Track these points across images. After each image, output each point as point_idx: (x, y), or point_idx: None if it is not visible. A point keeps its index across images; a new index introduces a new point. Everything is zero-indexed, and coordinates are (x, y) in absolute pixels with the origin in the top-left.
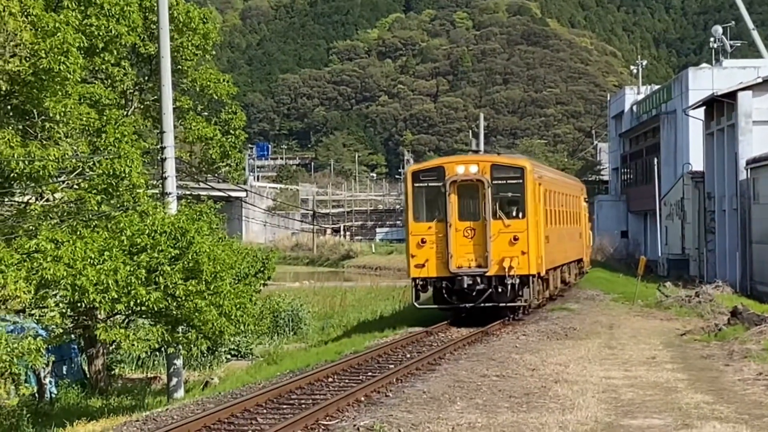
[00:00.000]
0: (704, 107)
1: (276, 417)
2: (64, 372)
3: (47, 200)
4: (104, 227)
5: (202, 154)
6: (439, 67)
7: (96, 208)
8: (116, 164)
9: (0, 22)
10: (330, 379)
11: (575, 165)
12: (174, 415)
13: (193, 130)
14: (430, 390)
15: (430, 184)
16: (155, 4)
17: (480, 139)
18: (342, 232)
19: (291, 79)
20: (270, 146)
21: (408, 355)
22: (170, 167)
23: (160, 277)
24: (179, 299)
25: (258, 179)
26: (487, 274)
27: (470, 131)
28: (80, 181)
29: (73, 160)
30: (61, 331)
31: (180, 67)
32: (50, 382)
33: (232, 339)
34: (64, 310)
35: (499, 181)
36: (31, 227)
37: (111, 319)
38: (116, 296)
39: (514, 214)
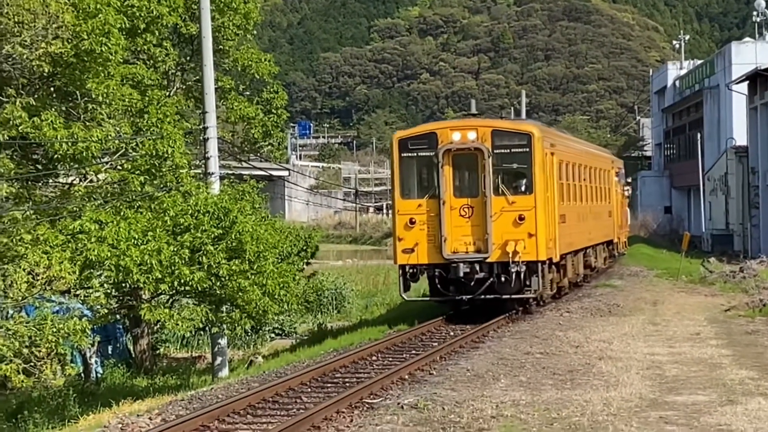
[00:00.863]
0: (747, 82)
1: (320, 395)
2: (110, 352)
3: (91, 181)
4: (147, 208)
5: (245, 133)
6: (481, 44)
7: (139, 189)
8: (159, 145)
9: (42, 5)
10: (374, 358)
11: (618, 141)
12: (219, 394)
13: (235, 109)
14: (474, 368)
15: (419, 154)
16: None
17: (522, 116)
18: (384, 210)
19: (332, 58)
20: (312, 125)
21: (452, 333)
22: (213, 147)
23: (204, 257)
24: (223, 279)
25: (300, 158)
26: (487, 260)
27: (512, 108)
28: (123, 161)
29: (116, 141)
30: (106, 311)
31: (221, 47)
32: (96, 362)
33: (275, 318)
34: (108, 291)
35: (502, 150)
36: (75, 208)
37: (155, 299)
38: (160, 276)
39: (520, 188)
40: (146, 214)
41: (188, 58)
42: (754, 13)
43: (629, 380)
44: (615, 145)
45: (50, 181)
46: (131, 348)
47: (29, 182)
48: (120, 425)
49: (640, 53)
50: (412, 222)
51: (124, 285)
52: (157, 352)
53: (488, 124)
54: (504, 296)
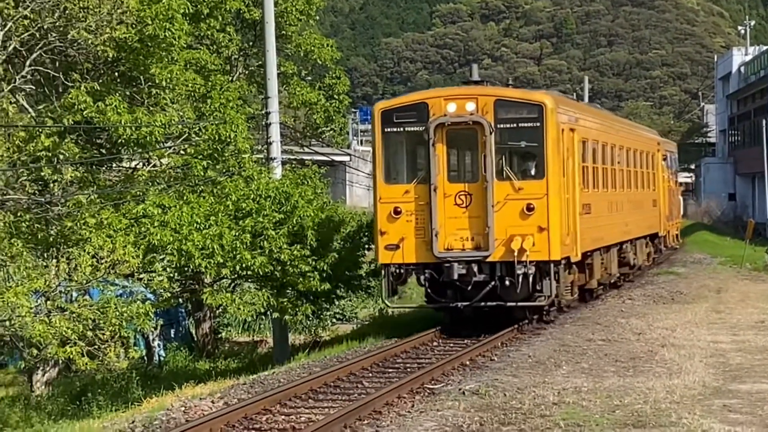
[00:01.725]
0: None
1: (381, 381)
2: (172, 335)
3: (154, 166)
4: (210, 192)
5: (306, 119)
6: (543, 30)
7: (202, 174)
8: (221, 130)
9: None
10: (435, 343)
11: (681, 127)
12: (280, 379)
13: (297, 95)
14: (536, 354)
15: (407, 129)
16: None
17: (584, 101)
18: None
19: (394, 43)
20: None
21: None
22: (275, 132)
23: (265, 242)
24: (284, 264)
25: (362, 143)
26: (487, 259)
27: (574, 94)
28: (186, 146)
29: (179, 126)
30: (169, 295)
31: (284, 32)
32: (158, 346)
33: (337, 303)
34: (171, 275)
35: (508, 125)
36: (138, 193)
37: (217, 283)
38: (222, 261)
39: (529, 172)
40: (208, 199)
41: (251, 43)
42: None
43: (692, 368)
44: (678, 132)
45: (114, 165)
46: (193, 332)
47: (93, 167)
48: (183, 408)
49: (704, 39)
50: (397, 212)
51: (186, 269)
52: (219, 336)
53: (490, 93)
54: (509, 303)
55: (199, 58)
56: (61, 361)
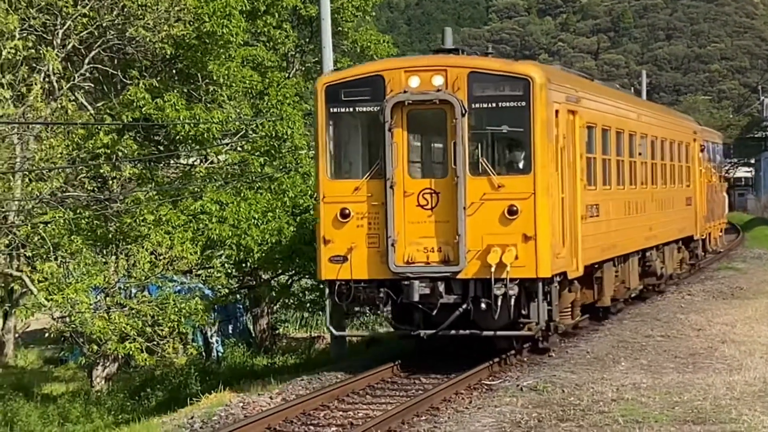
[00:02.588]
0: None
1: (439, 377)
2: (230, 331)
3: (211, 163)
4: (267, 189)
5: None
6: (600, 24)
7: (259, 170)
8: (278, 126)
9: None
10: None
11: (740, 121)
12: (338, 375)
13: None
14: (594, 350)
15: (358, 109)
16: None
17: (642, 97)
18: None
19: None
20: None
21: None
22: None
23: None
24: None
25: None
26: (458, 276)
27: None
28: (243, 143)
29: (237, 123)
30: (227, 291)
31: (340, 28)
32: (217, 342)
33: None
34: (229, 271)
35: (485, 104)
36: (196, 189)
37: (275, 279)
38: (279, 256)
39: (515, 165)
40: (266, 195)
41: (307, 39)
42: None
43: (753, 364)
44: (737, 126)
45: (172, 162)
46: (251, 328)
47: (152, 164)
48: (241, 404)
49: (764, 32)
50: (345, 215)
51: (244, 265)
52: (277, 331)
53: (463, 63)
54: (485, 333)
55: (256, 55)
56: (120, 357)
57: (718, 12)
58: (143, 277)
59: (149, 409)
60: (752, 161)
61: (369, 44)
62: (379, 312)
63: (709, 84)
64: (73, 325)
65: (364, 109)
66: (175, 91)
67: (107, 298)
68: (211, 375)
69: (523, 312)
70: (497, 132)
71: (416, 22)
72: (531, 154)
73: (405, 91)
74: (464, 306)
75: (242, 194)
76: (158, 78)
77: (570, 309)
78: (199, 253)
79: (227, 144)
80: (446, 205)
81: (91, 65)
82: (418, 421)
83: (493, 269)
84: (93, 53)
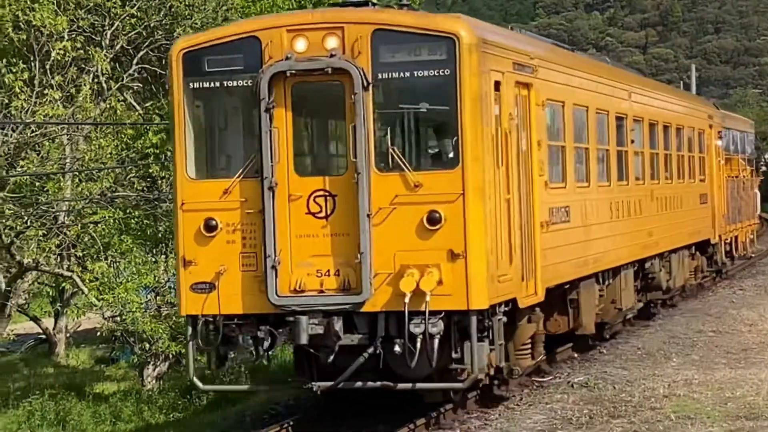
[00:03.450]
0: None
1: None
2: None
3: None
4: None
5: None
6: (648, 18)
7: None
8: None
9: None
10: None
11: None
12: None
13: None
14: (645, 346)
15: (227, 84)
16: None
17: (692, 91)
18: None
19: None
20: None
21: None
22: None
23: None
24: None
25: None
26: (362, 308)
27: (681, 82)
28: None
29: None
30: None
31: None
32: None
33: None
34: None
35: (395, 74)
36: None
37: None
38: None
39: (437, 157)
40: None
41: None
42: None
43: None
44: None
45: None
46: None
47: None
48: (291, 402)
49: None
50: (210, 227)
51: None
52: None
53: (366, 19)
54: (400, 386)
55: None
56: (171, 356)
57: (767, 5)
58: None
59: (200, 408)
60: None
61: None
62: (260, 358)
63: (759, 77)
64: (124, 325)
65: (236, 83)
66: None
67: (157, 297)
68: (260, 373)
69: (455, 354)
70: (413, 111)
71: None
72: (459, 141)
73: (288, 58)
74: (371, 350)
75: None
76: None
77: (531, 345)
78: None
79: None
80: (345, 212)
81: (140, 65)
82: (468, 419)
83: (407, 299)
84: (141, 53)
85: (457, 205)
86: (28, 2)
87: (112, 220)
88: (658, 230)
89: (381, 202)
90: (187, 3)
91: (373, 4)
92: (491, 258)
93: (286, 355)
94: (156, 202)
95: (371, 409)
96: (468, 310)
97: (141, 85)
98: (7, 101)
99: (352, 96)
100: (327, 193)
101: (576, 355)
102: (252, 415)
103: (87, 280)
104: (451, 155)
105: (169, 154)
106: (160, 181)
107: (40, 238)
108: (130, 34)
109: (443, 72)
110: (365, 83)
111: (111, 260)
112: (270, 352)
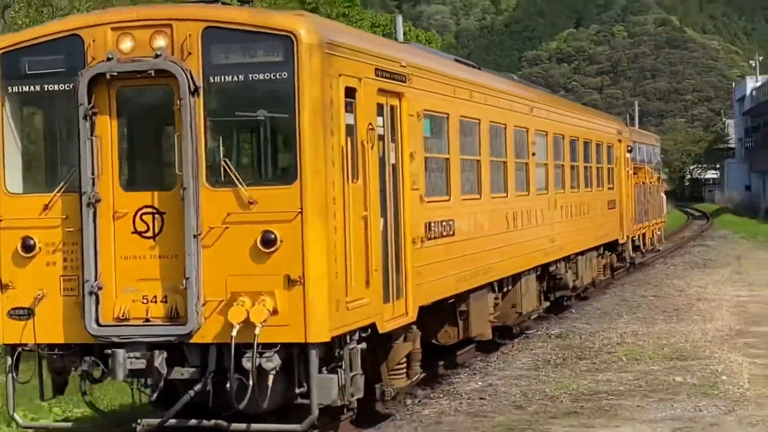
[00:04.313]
0: None
1: None
2: None
3: None
4: None
5: None
6: (603, 68)
7: None
8: None
9: None
10: None
11: (708, 137)
12: None
13: None
14: (603, 307)
15: (47, 88)
16: (393, 30)
17: (635, 122)
18: None
19: None
20: None
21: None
22: None
23: None
24: None
25: None
26: (191, 339)
27: (627, 114)
28: None
29: None
30: None
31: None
32: None
33: None
34: None
35: (228, 77)
36: None
37: None
38: None
39: (277, 171)
40: None
41: None
42: None
43: (721, 316)
44: (706, 140)
45: None
46: None
47: None
48: None
49: (724, 71)
50: (28, 246)
51: None
52: None
53: (196, 15)
54: (233, 427)
55: None
56: None
57: (690, 57)
58: None
59: None
60: (717, 166)
61: None
62: (89, 391)
63: (684, 110)
64: None
65: (57, 87)
66: None
67: None
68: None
69: (301, 389)
70: (249, 120)
71: None
72: (297, 153)
73: (110, 59)
74: (198, 386)
75: None
76: None
77: (405, 364)
78: None
79: None
80: (175, 232)
81: None
82: (475, 361)
83: (234, 331)
84: None
85: (294, 225)
86: None
87: None
88: (562, 236)
89: (212, 221)
90: None
91: (224, 3)
92: (336, 283)
93: None
94: None
95: None
96: (306, 343)
97: None
98: None
99: (178, 101)
100: (155, 210)
101: (553, 315)
102: None
103: None
104: (285, 169)
105: None
106: None
107: None
108: None
109: (281, 75)
110: (192, 87)
111: None
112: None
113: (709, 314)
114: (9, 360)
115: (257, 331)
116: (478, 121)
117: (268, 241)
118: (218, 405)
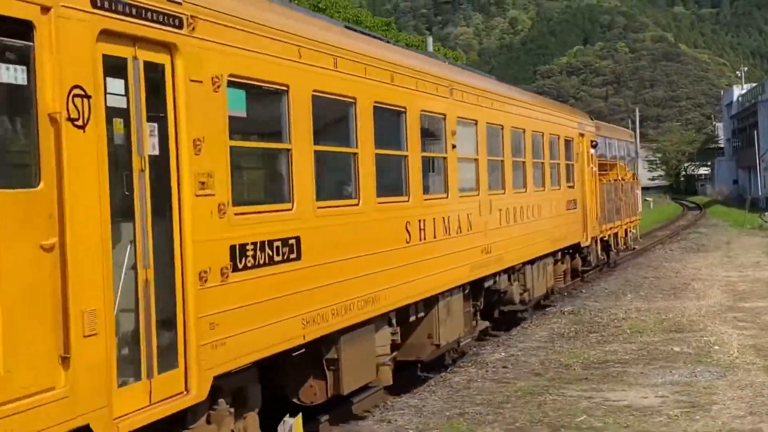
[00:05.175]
0: None
1: None
2: None
3: None
4: None
5: None
6: (608, 79)
7: None
8: None
9: None
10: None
11: (700, 138)
12: None
13: None
14: (610, 287)
15: None
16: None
17: (636, 127)
18: None
19: None
20: None
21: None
22: None
23: None
24: None
25: None
26: None
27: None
28: None
29: None
30: None
31: None
32: None
33: None
34: None
35: None
36: None
37: None
38: None
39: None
40: None
41: None
42: None
43: (713, 294)
44: (698, 141)
45: None
46: None
47: None
48: None
49: (714, 80)
50: None
51: None
52: None
53: None
54: None
55: None
56: None
57: (684, 68)
58: None
59: None
60: (708, 163)
61: None
62: None
63: (679, 114)
64: None
65: None
66: None
67: None
68: None
69: None
70: None
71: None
72: None
73: None
74: None
75: None
76: None
77: None
78: None
79: None
80: None
81: None
82: (498, 333)
83: None
84: None
85: None
86: None
87: None
88: (501, 245)
89: None
90: None
91: None
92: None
93: None
94: None
95: None
96: None
97: None
98: None
99: None
100: None
101: (566, 293)
102: None
103: None
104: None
105: None
106: None
107: None
108: None
109: None
110: None
111: None
112: None
113: (703, 292)
114: None
115: None
116: (352, 101)
117: None
118: None
